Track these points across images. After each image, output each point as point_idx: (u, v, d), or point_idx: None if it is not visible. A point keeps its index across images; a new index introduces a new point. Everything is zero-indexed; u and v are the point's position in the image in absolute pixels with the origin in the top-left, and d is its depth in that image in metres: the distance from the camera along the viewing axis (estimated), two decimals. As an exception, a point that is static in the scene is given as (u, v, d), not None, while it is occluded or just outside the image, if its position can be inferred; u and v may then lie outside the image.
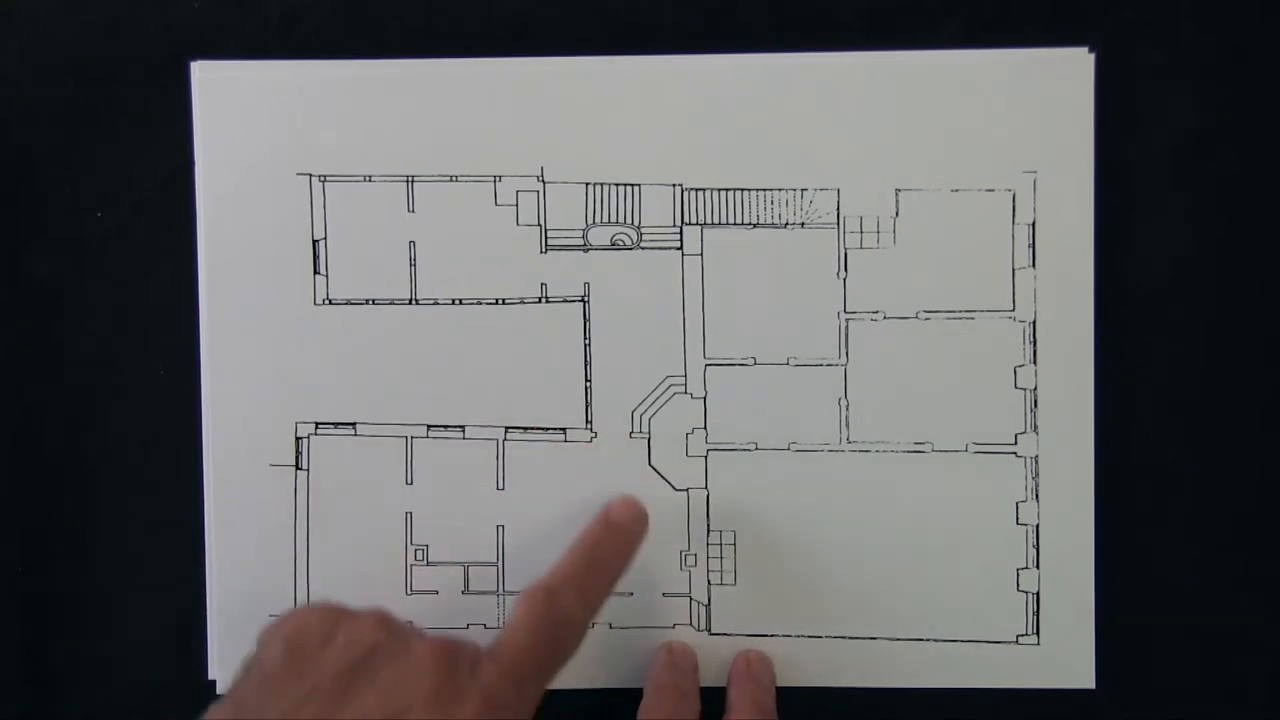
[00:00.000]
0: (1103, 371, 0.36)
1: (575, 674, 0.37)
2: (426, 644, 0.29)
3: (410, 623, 0.31)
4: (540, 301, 0.37)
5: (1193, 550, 0.36)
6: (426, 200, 0.37)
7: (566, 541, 0.37)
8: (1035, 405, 0.36)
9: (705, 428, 0.37)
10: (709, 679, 0.36)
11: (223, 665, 0.37)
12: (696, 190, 0.36)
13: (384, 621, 0.30)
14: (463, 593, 0.37)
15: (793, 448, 0.37)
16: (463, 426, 0.37)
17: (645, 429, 0.37)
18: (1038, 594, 0.36)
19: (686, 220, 0.36)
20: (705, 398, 0.37)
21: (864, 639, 0.37)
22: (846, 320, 0.36)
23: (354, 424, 0.37)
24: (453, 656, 0.29)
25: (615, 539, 0.34)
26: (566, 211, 0.37)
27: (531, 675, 0.30)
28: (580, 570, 0.32)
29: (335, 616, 0.30)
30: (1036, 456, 0.36)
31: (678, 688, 0.35)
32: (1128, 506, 0.36)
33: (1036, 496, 0.36)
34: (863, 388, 0.36)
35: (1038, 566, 0.36)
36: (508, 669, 0.29)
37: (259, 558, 0.37)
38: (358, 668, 0.28)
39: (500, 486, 0.37)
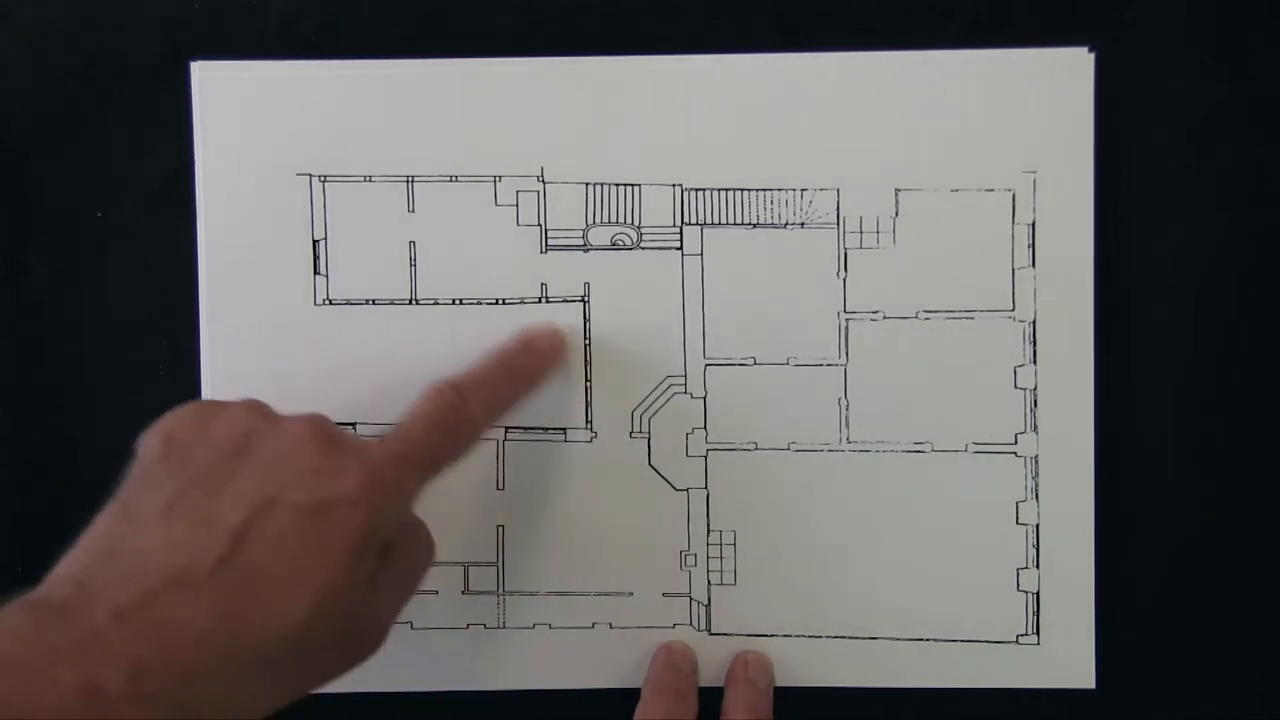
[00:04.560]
0: (1103, 371, 0.36)
1: (575, 674, 0.37)
2: (303, 422, 0.29)
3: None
4: (540, 301, 0.37)
5: (1193, 550, 0.36)
6: (426, 200, 0.37)
7: (566, 541, 0.37)
8: (1035, 405, 0.36)
9: (705, 428, 0.37)
10: (709, 679, 0.36)
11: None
12: (696, 190, 0.36)
13: (257, 407, 0.30)
14: (463, 593, 0.37)
15: (793, 448, 0.37)
16: (463, 426, 0.37)
17: (645, 429, 0.37)
18: (1038, 594, 0.36)
19: (686, 220, 0.36)
20: (705, 398, 0.37)
21: (864, 639, 0.36)
22: (846, 320, 0.36)
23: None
24: (330, 434, 0.29)
25: (530, 357, 0.35)
26: (566, 211, 0.36)
27: (418, 462, 0.30)
28: (490, 376, 0.33)
29: (209, 408, 0.30)
30: (1036, 456, 0.36)
31: (675, 689, 0.35)
32: (1128, 506, 0.36)
33: (1036, 496, 0.36)
34: (863, 388, 0.36)
35: (1038, 566, 0.36)
36: (395, 452, 0.29)
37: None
38: (234, 452, 0.28)
39: (500, 486, 0.37)
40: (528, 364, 0.35)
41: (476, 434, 0.32)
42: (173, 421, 0.29)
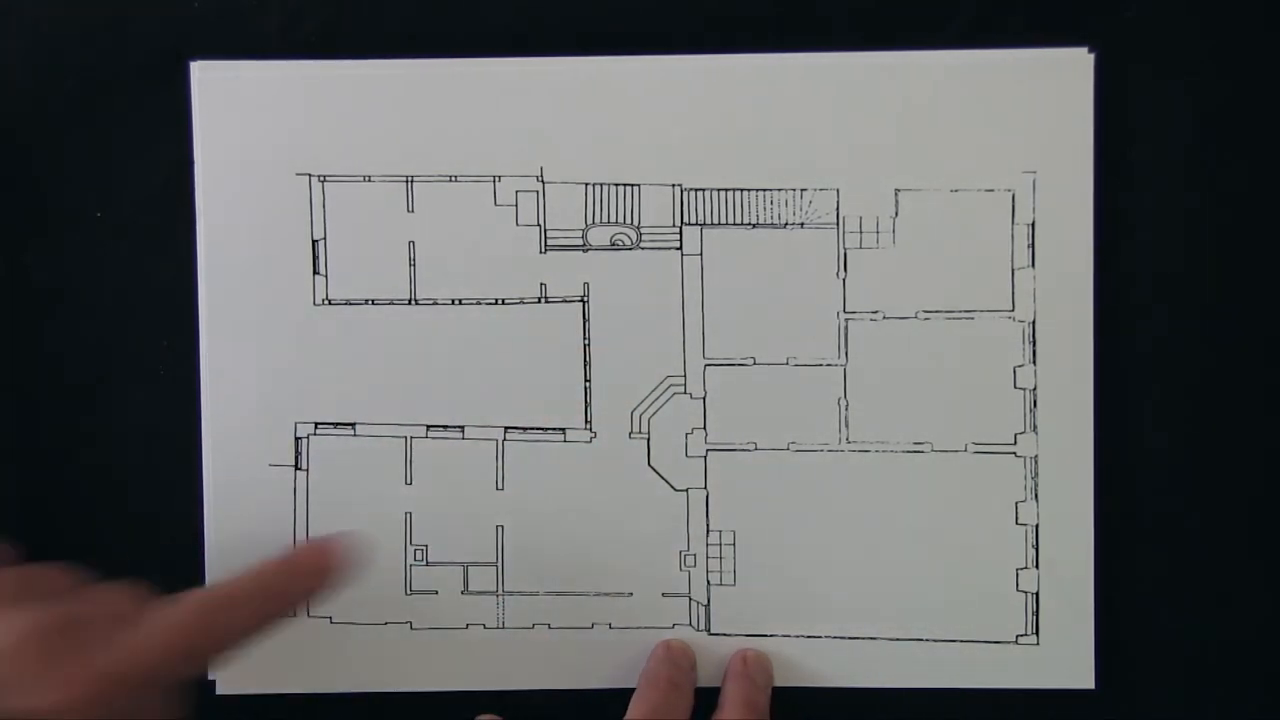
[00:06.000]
0: (1103, 371, 0.36)
1: (575, 674, 0.37)
2: (30, 620, 0.27)
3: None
4: (540, 301, 0.37)
5: (1192, 550, 0.36)
6: (426, 200, 0.37)
7: (566, 541, 0.37)
8: (1035, 405, 0.36)
9: (705, 428, 0.37)
10: (708, 679, 0.36)
11: (222, 665, 0.37)
12: (696, 190, 0.36)
13: (35, 581, 0.29)
14: (462, 593, 0.37)
15: (793, 448, 0.36)
16: (462, 426, 0.37)
17: (645, 429, 0.37)
18: (1037, 594, 0.36)
19: (686, 220, 0.36)
20: (705, 398, 0.37)
21: (864, 639, 0.36)
22: (846, 320, 0.36)
23: (354, 424, 0.37)
24: (55, 639, 0.27)
25: (289, 579, 0.32)
26: (566, 211, 0.37)
27: (143, 680, 0.28)
28: (239, 595, 0.31)
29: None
30: (1036, 456, 0.36)
31: (670, 679, 0.35)
32: (1128, 506, 0.36)
33: (1036, 496, 0.36)
34: (863, 388, 0.36)
35: (1037, 566, 0.36)
36: (121, 668, 0.27)
37: (259, 558, 0.37)
38: None
39: (500, 486, 0.37)
40: (286, 586, 0.32)
41: (216, 654, 0.30)
42: None
